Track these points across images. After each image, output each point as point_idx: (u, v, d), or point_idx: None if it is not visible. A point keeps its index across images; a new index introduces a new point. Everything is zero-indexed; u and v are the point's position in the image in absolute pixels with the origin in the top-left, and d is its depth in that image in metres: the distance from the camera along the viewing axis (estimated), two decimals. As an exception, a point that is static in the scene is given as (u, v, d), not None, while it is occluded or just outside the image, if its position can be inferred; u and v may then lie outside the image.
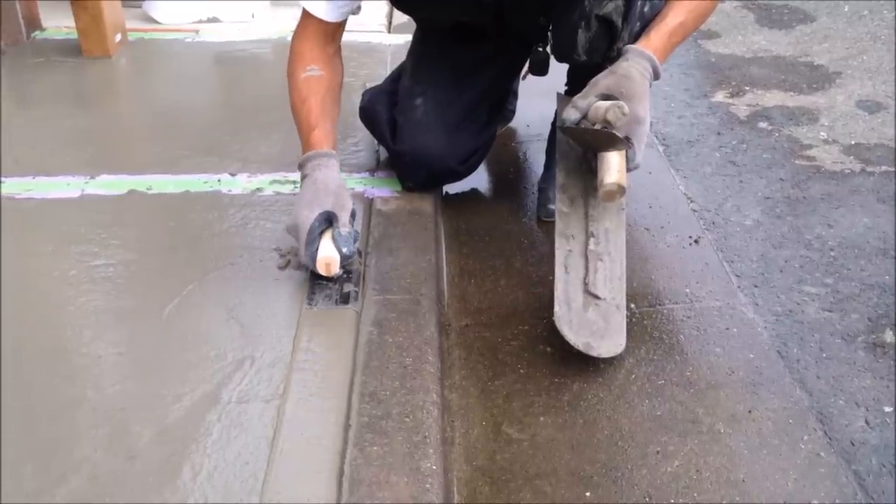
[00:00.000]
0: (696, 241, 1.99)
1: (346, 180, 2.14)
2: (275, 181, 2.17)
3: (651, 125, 2.40)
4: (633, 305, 1.78)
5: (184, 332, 1.63)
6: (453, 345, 1.73)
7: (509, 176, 2.35)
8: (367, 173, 2.21)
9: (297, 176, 2.15)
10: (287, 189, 2.13)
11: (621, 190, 1.60)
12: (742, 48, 3.13)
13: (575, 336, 1.58)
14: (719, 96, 2.76)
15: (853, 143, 2.40)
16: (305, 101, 1.85)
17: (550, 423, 1.51)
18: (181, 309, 1.69)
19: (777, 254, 1.93)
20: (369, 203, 2.09)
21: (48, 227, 1.95)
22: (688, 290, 1.82)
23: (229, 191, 2.12)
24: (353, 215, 1.73)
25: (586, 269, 1.67)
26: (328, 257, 1.66)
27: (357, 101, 2.28)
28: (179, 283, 1.76)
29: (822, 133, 2.47)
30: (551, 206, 2.09)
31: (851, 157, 2.33)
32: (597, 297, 1.64)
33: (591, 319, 1.62)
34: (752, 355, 1.63)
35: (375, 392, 1.48)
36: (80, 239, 1.91)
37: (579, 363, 1.63)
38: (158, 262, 1.85)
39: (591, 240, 1.70)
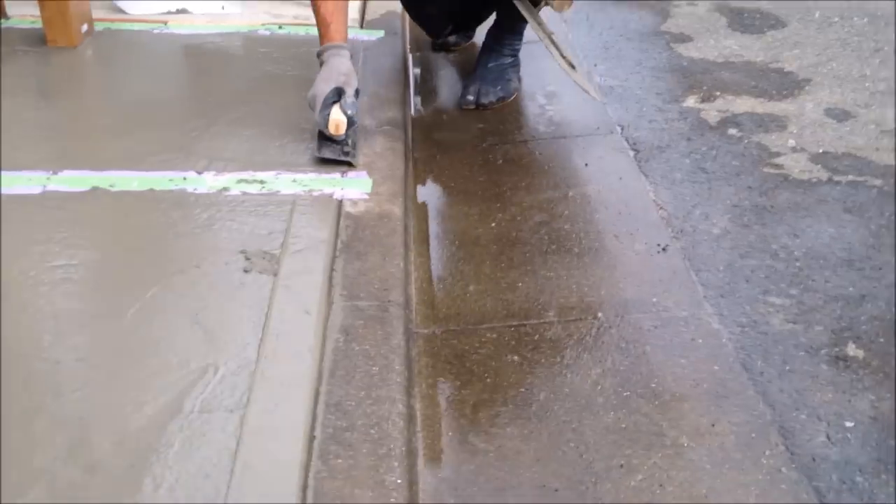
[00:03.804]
0: (664, 250, 2.00)
1: (315, 180, 2.15)
2: (242, 180, 2.14)
3: (623, 130, 2.42)
4: (600, 314, 1.79)
5: (146, 338, 1.60)
6: (421, 352, 1.72)
7: (479, 181, 2.34)
8: (338, 174, 2.19)
9: (264, 175, 2.18)
10: (255, 189, 2.10)
11: (570, 3, 2.51)
12: (714, 52, 3.14)
13: (579, 82, 2.56)
14: (690, 101, 2.77)
15: (821, 151, 2.43)
16: (323, 1, 2.25)
17: (517, 434, 1.51)
18: (144, 313, 1.66)
19: (743, 263, 1.95)
20: (338, 205, 2.07)
21: (7, 225, 1.91)
22: (655, 300, 1.83)
23: (195, 190, 2.09)
24: (357, 93, 2.18)
25: (558, 49, 2.55)
26: (338, 119, 2.13)
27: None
28: (142, 285, 1.74)
29: (790, 141, 2.49)
30: (470, 97, 2.74)
31: (819, 166, 2.35)
32: (573, 65, 2.56)
33: (577, 78, 2.57)
34: (716, 367, 1.64)
35: (341, 402, 1.47)
36: (41, 238, 1.87)
37: (546, 373, 1.64)
38: (121, 264, 1.82)
39: (553, 36, 2.57)
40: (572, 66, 2.55)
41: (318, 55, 2.27)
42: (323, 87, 2.17)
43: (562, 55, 2.53)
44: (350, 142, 2.21)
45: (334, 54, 2.23)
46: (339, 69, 2.21)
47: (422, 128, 2.66)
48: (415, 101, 2.82)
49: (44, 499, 1.27)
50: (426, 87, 2.96)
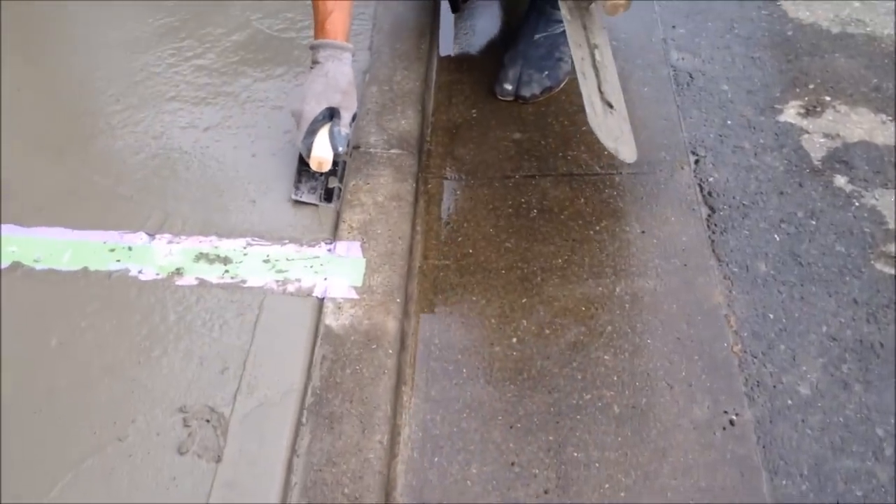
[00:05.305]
0: (731, 423, 1.53)
1: (293, 260, 1.68)
2: (201, 255, 1.68)
3: (697, 162, 1.90)
4: (635, 555, 1.37)
5: None
6: None
7: (504, 249, 1.83)
8: (324, 245, 1.71)
9: (229, 247, 1.73)
10: (215, 275, 1.65)
11: (627, 3, 1.78)
12: (829, 14, 2.45)
13: (605, 139, 1.82)
14: (791, 111, 2.15)
15: (954, 232, 1.86)
16: None
17: None
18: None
19: (835, 465, 1.48)
20: (318, 311, 1.61)
21: None
22: (711, 531, 1.39)
23: (139, 273, 1.65)
24: (354, 117, 1.77)
25: (597, 78, 1.87)
26: (322, 157, 1.71)
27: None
28: (44, 481, 1.34)
29: (916, 208, 1.91)
30: (507, 86, 2.16)
31: (949, 264, 1.80)
32: (611, 105, 1.86)
33: (611, 126, 1.85)
34: None
35: None
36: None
37: None
38: (24, 433, 1.41)
39: (596, 51, 1.89)
40: (609, 106, 1.87)
41: (312, 50, 1.77)
42: (313, 106, 1.70)
43: (599, 88, 1.88)
44: (337, 176, 1.79)
45: (333, 57, 1.75)
46: (336, 82, 1.73)
47: (443, 132, 2.11)
48: (444, 43, 2.38)
49: None
50: (458, 46, 2.38)
